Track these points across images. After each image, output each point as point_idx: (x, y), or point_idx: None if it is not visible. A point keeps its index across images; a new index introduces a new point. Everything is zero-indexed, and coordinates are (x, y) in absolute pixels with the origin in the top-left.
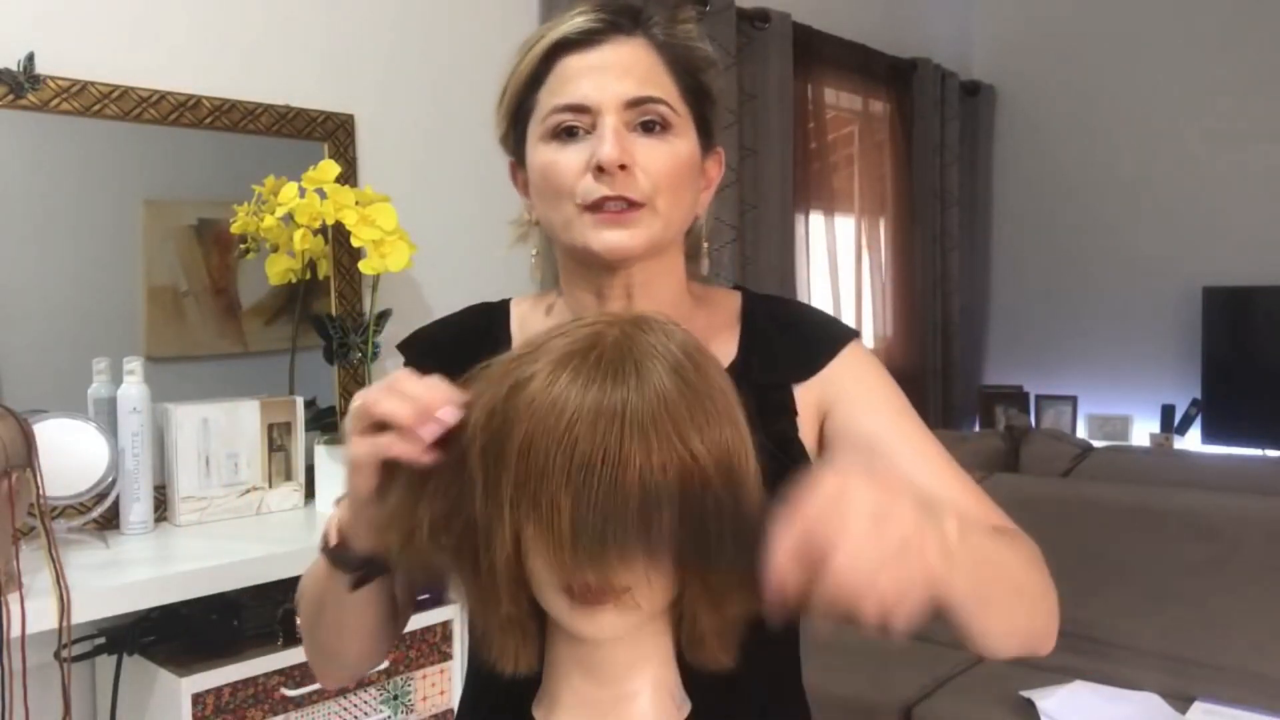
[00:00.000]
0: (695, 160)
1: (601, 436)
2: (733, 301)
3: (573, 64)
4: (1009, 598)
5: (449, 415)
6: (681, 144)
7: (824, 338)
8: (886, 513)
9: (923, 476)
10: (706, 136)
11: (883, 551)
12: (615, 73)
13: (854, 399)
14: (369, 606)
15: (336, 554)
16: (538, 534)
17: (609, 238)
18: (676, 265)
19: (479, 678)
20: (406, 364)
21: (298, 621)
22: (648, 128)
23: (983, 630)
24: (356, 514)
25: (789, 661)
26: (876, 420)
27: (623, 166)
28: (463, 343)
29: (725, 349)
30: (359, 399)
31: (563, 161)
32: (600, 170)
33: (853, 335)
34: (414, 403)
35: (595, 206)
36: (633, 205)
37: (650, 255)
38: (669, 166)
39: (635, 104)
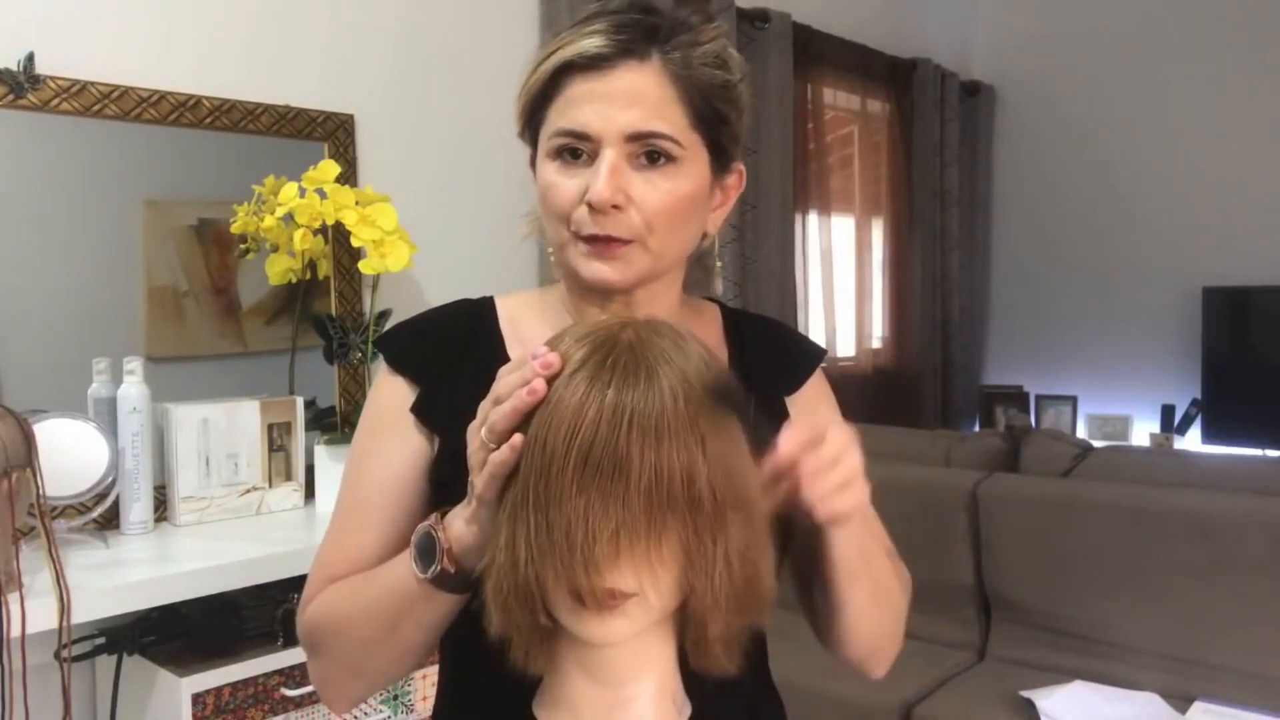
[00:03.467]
0: (699, 192)
1: (611, 439)
2: (714, 314)
3: (580, 88)
4: (874, 589)
5: (545, 356)
6: (684, 180)
7: (806, 353)
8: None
9: None
10: (721, 158)
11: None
12: (620, 103)
13: None
14: (447, 622)
15: (453, 579)
16: (546, 536)
17: (597, 270)
18: (676, 282)
19: (464, 678)
20: (387, 361)
21: (317, 646)
22: (651, 158)
23: (847, 600)
24: (483, 528)
25: (763, 657)
26: None
27: (616, 206)
28: (448, 342)
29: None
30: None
31: (561, 186)
32: (592, 207)
33: (824, 354)
34: (509, 384)
35: (588, 239)
36: (622, 242)
37: (644, 283)
38: (666, 204)
39: (637, 138)
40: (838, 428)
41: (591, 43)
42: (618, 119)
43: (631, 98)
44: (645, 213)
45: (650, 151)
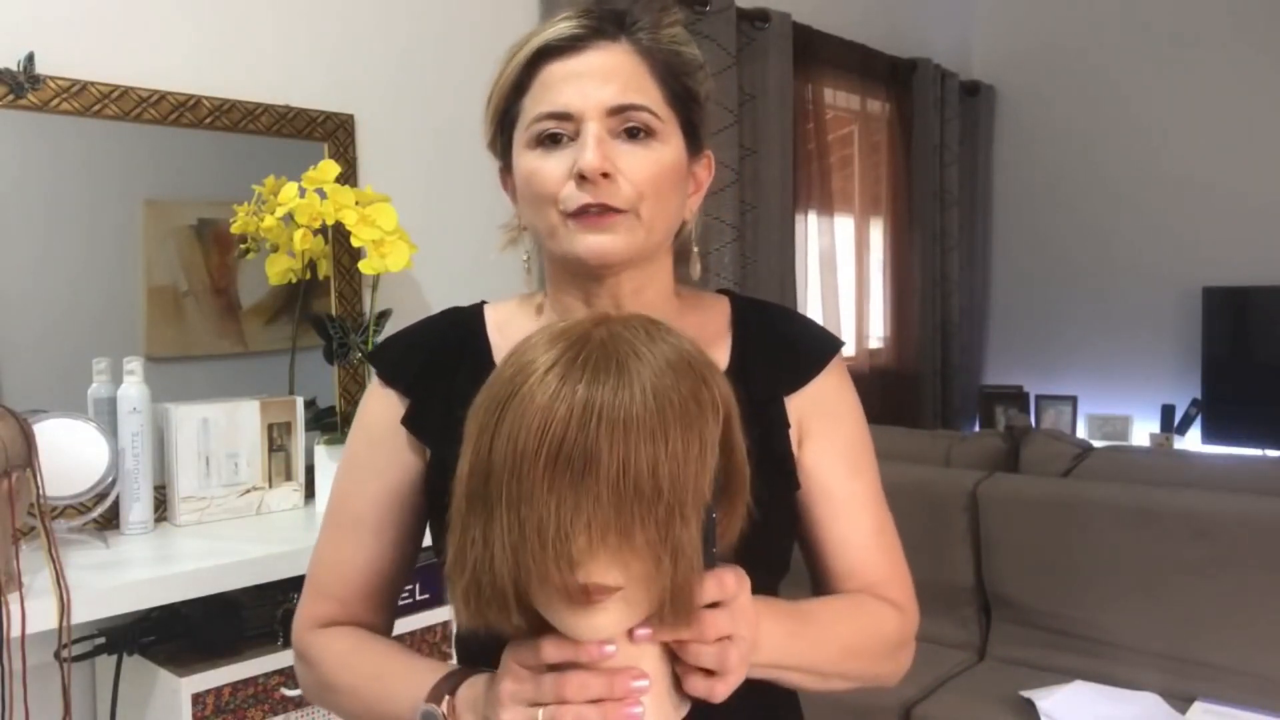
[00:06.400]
0: (680, 166)
1: (580, 435)
2: (721, 307)
3: (556, 71)
4: (839, 662)
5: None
6: (665, 150)
7: (813, 349)
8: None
9: (851, 543)
10: (694, 141)
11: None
12: (598, 79)
13: (828, 438)
14: None
15: None
16: (519, 534)
17: (592, 242)
18: (664, 271)
19: None
20: (379, 375)
21: (305, 674)
22: (631, 134)
23: (815, 686)
24: None
25: None
26: (826, 474)
27: (605, 175)
28: (439, 353)
29: (717, 358)
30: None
31: (546, 169)
32: (582, 178)
33: (839, 346)
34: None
35: (578, 213)
36: (615, 211)
37: (635, 262)
38: (652, 173)
39: (618, 111)
40: (734, 609)
41: (564, 26)
42: (597, 94)
43: (608, 74)
44: (634, 182)
45: (631, 128)
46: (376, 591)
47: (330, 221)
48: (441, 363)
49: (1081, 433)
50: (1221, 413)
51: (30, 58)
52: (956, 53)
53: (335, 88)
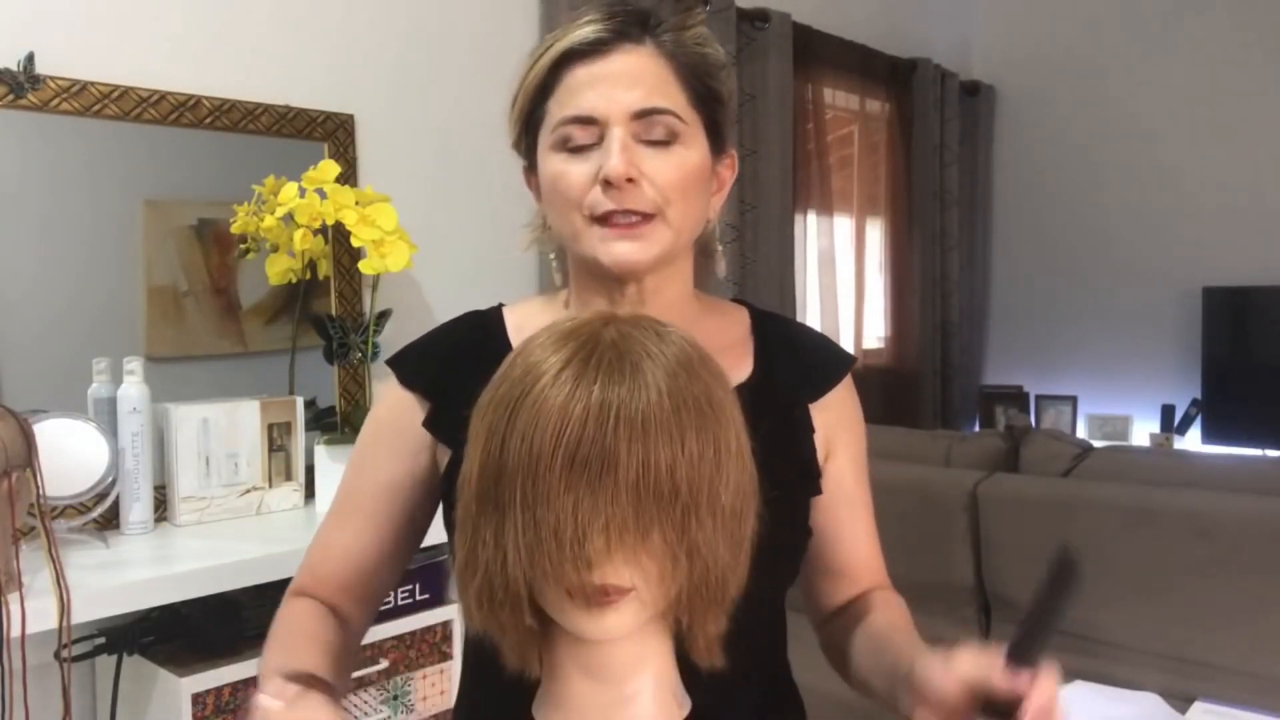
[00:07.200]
0: (705, 168)
1: (598, 436)
2: (741, 316)
3: (580, 74)
4: None
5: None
6: (690, 154)
7: (831, 361)
8: None
9: (861, 540)
10: (718, 140)
11: None
12: (623, 84)
13: (847, 449)
14: None
15: None
16: (534, 535)
17: (619, 251)
18: (685, 270)
19: (476, 679)
20: (400, 381)
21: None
22: (656, 138)
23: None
24: None
25: (780, 660)
26: (849, 480)
27: (630, 180)
28: (459, 357)
29: (741, 363)
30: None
31: (572, 173)
32: (608, 184)
33: (853, 361)
34: None
35: (604, 219)
36: (643, 217)
37: (661, 265)
38: (677, 177)
39: (643, 115)
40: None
41: (589, 29)
42: (622, 99)
43: (633, 78)
44: (659, 186)
45: (654, 132)
46: (356, 581)
47: (330, 221)
48: (460, 365)
49: (1081, 433)
50: (1221, 413)
51: (30, 58)
52: (956, 53)
53: (335, 88)
